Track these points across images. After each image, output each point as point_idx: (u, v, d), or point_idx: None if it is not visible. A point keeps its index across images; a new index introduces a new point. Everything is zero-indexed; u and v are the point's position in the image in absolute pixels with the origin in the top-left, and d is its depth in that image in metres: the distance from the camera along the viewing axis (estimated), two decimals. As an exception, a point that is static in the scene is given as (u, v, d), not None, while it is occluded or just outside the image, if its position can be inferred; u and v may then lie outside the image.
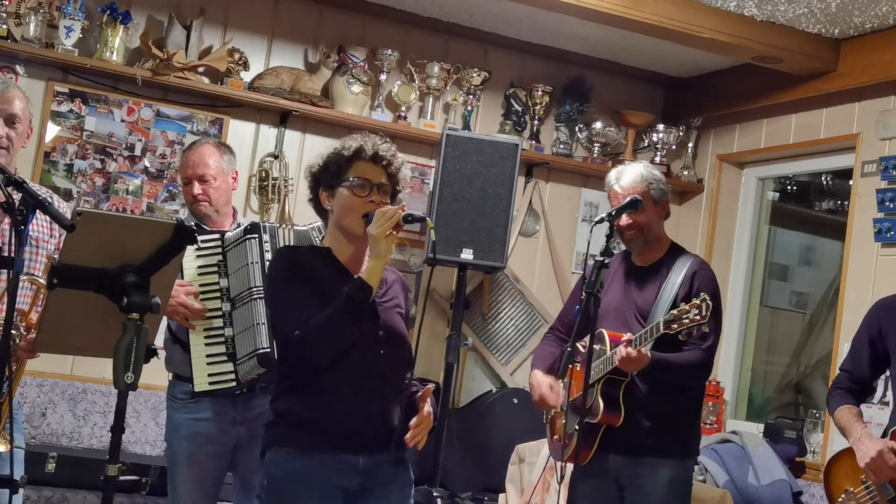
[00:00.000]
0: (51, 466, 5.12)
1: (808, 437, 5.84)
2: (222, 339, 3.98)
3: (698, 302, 3.70)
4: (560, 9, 5.65)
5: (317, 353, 3.14)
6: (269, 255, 3.95)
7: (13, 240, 2.80)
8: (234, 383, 3.95)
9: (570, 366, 3.94)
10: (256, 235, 3.98)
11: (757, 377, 6.80)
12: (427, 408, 3.22)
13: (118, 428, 2.81)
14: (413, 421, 3.20)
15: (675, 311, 3.76)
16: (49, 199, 3.30)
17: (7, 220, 3.50)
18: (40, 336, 3.11)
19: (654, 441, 3.98)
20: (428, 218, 3.22)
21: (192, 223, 4.23)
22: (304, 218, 4.96)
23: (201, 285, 4.01)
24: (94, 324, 2.90)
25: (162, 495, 5.21)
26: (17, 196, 2.95)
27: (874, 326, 3.96)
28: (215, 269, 4.03)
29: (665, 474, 3.99)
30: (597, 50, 6.66)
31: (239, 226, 4.24)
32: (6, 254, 2.84)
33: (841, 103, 6.00)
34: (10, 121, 3.54)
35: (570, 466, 3.91)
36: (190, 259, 4.01)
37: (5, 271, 3.21)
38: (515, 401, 6.22)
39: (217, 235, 4.05)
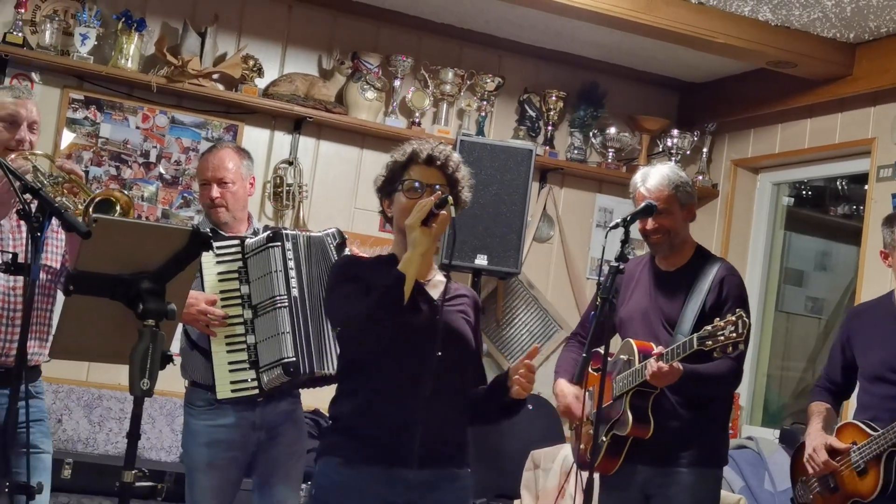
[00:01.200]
0: (66, 472, 5.13)
1: (825, 443, 5.81)
2: (244, 347, 3.95)
3: (734, 318, 3.62)
4: (574, 14, 5.65)
5: (357, 345, 3.12)
6: (291, 264, 3.94)
7: (29, 246, 2.80)
8: (256, 391, 3.93)
9: (591, 372, 3.91)
10: (279, 243, 3.95)
11: (772, 383, 6.77)
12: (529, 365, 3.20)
13: (134, 434, 2.80)
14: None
15: (709, 328, 3.65)
16: (66, 206, 3.32)
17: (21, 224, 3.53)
18: (56, 343, 3.12)
19: (683, 451, 3.89)
20: (449, 197, 3.12)
21: (208, 228, 4.22)
22: (319, 223, 4.97)
23: (221, 291, 3.99)
24: (110, 330, 2.90)
25: (177, 502, 5.22)
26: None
27: (844, 333, 4.28)
28: (236, 275, 4.00)
29: (694, 484, 3.90)
30: (611, 55, 6.66)
31: (255, 232, 4.21)
32: (22, 260, 2.84)
33: (856, 108, 5.98)
34: (32, 126, 3.60)
35: (595, 476, 3.85)
36: (210, 265, 3.99)
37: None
38: (530, 407, 6.20)
39: (237, 241, 4.03)
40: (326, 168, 6.25)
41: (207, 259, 3.96)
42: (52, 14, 5.66)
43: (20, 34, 5.56)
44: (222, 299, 3.97)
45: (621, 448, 3.91)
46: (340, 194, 6.30)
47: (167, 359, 2.78)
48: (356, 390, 3.17)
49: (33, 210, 2.86)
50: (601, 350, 3.89)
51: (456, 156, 3.29)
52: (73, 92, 5.70)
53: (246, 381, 3.92)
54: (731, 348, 3.65)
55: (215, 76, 5.94)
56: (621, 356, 3.95)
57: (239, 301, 3.98)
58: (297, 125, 6.18)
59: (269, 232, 4.03)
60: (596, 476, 3.81)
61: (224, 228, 4.24)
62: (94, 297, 2.83)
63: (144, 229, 3.25)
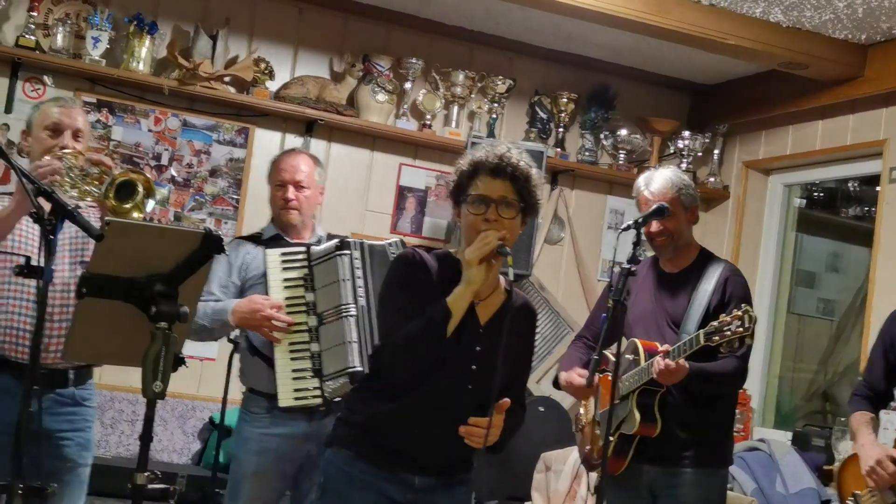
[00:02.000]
0: (79, 474, 5.14)
1: (837, 445, 5.79)
2: (308, 355, 3.93)
3: (739, 314, 3.63)
4: (585, 16, 5.65)
5: (391, 369, 3.07)
6: (359, 273, 3.92)
7: (42, 249, 2.81)
8: (319, 399, 3.90)
9: (598, 374, 3.92)
10: (348, 252, 3.94)
11: (784, 385, 6.76)
12: (496, 418, 3.03)
13: (146, 436, 2.81)
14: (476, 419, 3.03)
15: (715, 324, 3.67)
16: (79, 208, 3.34)
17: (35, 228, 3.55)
18: (69, 345, 3.13)
19: (689, 451, 3.91)
20: (510, 254, 2.98)
21: (273, 234, 4.24)
22: (330, 226, 4.97)
23: (287, 298, 3.97)
24: (123, 333, 2.91)
25: None
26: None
27: (888, 337, 4.07)
28: (301, 282, 3.98)
29: (701, 484, 3.93)
30: (622, 57, 6.65)
31: (319, 240, 4.21)
32: (35, 263, 2.85)
33: (868, 109, 5.97)
34: (76, 135, 3.65)
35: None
36: (276, 271, 3.98)
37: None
38: (542, 409, 6.20)
39: (303, 248, 4.02)
40: (338, 170, 6.25)
41: (273, 265, 3.98)
42: (65, 17, 5.68)
43: (33, 37, 5.58)
44: (287, 306, 3.95)
45: (628, 447, 3.92)
46: (352, 196, 6.31)
47: (179, 361, 2.80)
48: (382, 394, 3.13)
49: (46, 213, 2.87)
50: (606, 351, 3.91)
51: (525, 162, 3.11)
52: (85, 95, 5.72)
53: (309, 389, 3.90)
54: (737, 343, 3.67)
55: (227, 79, 5.95)
56: (627, 356, 3.96)
57: (304, 308, 3.96)
58: (308, 127, 6.19)
59: (336, 240, 4.00)
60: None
61: (291, 232, 4.24)
62: (107, 299, 2.84)
63: (157, 232, 3.26)
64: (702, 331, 3.72)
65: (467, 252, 3.01)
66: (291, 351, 3.93)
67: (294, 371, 3.92)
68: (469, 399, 3.07)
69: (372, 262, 3.98)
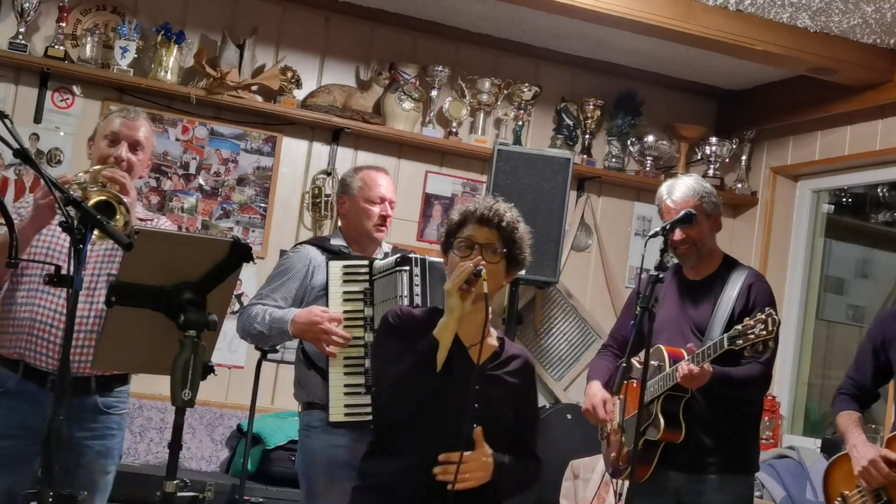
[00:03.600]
0: (108, 482, 5.16)
1: (867, 453, 5.75)
2: (362, 370, 3.87)
3: (763, 317, 3.65)
4: (611, 23, 5.64)
5: (387, 409, 3.14)
6: (418, 290, 3.86)
7: (72, 258, 2.83)
8: (369, 417, 3.70)
9: (625, 382, 3.91)
10: (408, 268, 3.88)
11: (813, 392, 6.72)
12: (481, 451, 3.08)
13: (175, 444, 2.82)
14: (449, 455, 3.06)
15: (739, 327, 3.69)
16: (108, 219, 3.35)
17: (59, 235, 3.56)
18: (98, 354, 3.14)
19: (714, 457, 3.92)
20: (483, 271, 3.07)
21: (341, 245, 4.20)
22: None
23: (345, 311, 3.91)
24: (152, 341, 2.91)
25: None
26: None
27: (878, 337, 4.10)
28: (361, 296, 3.93)
29: (727, 490, 3.93)
30: (648, 63, 6.64)
31: (385, 255, 4.18)
32: (65, 272, 2.86)
33: (897, 114, 5.94)
34: (134, 147, 3.68)
35: (627, 483, 3.86)
36: (336, 283, 3.94)
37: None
38: (569, 416, 6.19)
39: (366, 262, 3.98)
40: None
41: (335, 277, 3.94)
42: (93, 28, 5.72)
43: (61, 48, 5.62)
44: (345, 319, 3.90)
45: (653, 454, 3.92)
46: (378, 204, 6.31)
47: (208, 369, 2.79)
48: (390, 450, 3.17)
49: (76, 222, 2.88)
50: (633, 360, 3.91)
51: (510, 215, 3.22)
52: (113, 104, 5.74)
53: (360, 405, 3.83)
54: (761, 347, 3.68)
55: (254, 88, 5.98)
56: (652, 362, 3.96)
57: (361, 323, 3.91)
58: (335, 136, 6.21)
59: (398, 255, 3.98)
60: (627, 483, 3.83)
61: (365, 246, 4.22)
62: (136, 308, 2.85)
63: (185, 240, 3.27)
64: (725, 335, 3.73)
65: (446, 285, 3.11)
66: (346, 366, 3.87)
67: (347, 386, 3.85)
68: (475, 439, 3.08)
69: (431, 278, 3.91)
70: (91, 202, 3.23)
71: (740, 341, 3.68)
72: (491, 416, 3.13)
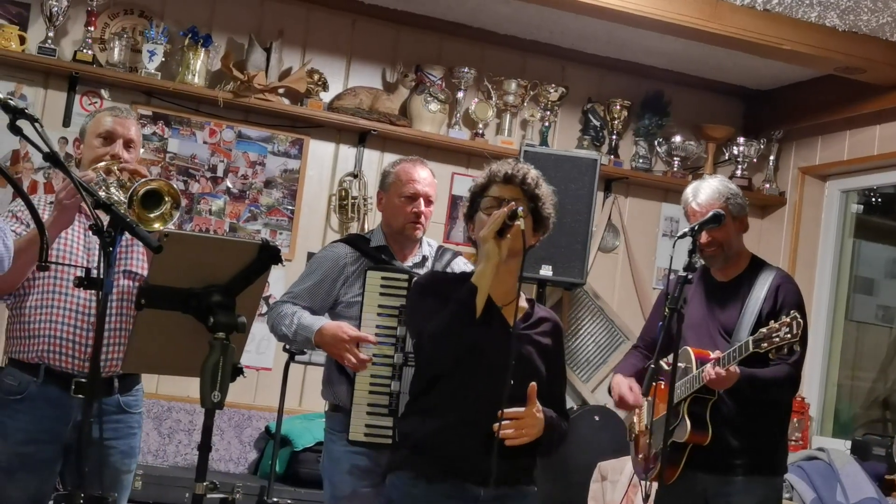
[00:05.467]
0: (137, 484, 5.17)
1: (898, 454, 5.72)
2: (387, 391, 3.71)
3: (788, 320, 3.64)
4: (638, 23, 5.63)
5: (430, 359, 3.16)
6: None
7: (102, 261, 2.84)
8: (389, 441, 3.67)
9: (654, 383, 3.90)
10: None
11: (843, 393, 6.68)
12: (535, 407, 3.12)
13: (205, 446, 2.83)
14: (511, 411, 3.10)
15: (764, 330, 3.68)
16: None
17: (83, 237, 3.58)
18: (128, 356, 3.15)
19: (742, 459, 3.91)
20: (520, 209, 3.10)
21: (381, 244, 4.06)
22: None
23: (378, 326, 3.73)
24: (181, 343, 2.93)
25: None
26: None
27: None
28: (396, 312, 3.72)
29: (755, 492, 3.92)
30: (675, 63, 6.62)
31: (424, 259, 4.07)
32: (95, 275, 2.87)
33: (927, 113, 5.90)
34: (127, 144, 3.66)
35: (655, 485, 3.85)
36: (374, 294, 3.76)
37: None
38: (597, 418, 6.17)
39: (406, 277, 3.76)
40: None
41: (372, 288, 3.76)
42: (121, 32, 5.75)
43: (90, 52, 5.65)
44: (377, 335, 3.74)
45: (680, 456, 3.91)
46: (405, 206, 6.31)
47: (237, 371, 2.80)
48: (429, 409, 3.19)
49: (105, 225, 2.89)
50: (661, 361, 3.90)
51: (534, 173, 3.26)
52: (141, 108, 5.78)
53: (381, 427, 3.71)
54: (786, 350, 3.66)
55: (281, 91, 6.00)
56: (679, 364, 3.95)
57: (393, 341, 3.73)
58: (361, 138, 6.22)
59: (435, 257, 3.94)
60: (655, 485, 3.82)
61: (405, 246, 4.09)
62: (166, 310, 2.87)
63: (214, 243, 3.28)
64: (750, 337, 3.72)
65: (481, 232, 3.12)
66: (371, 384, 3.74)
67: (370, 406, 3.73)
68: (514, 397, 3.09)
69: None
70: (140, 193, 3.24)
71: (765, 344, 3.67)
72: (526, 375, 3.15)
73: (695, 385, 3.84)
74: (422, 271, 3.94)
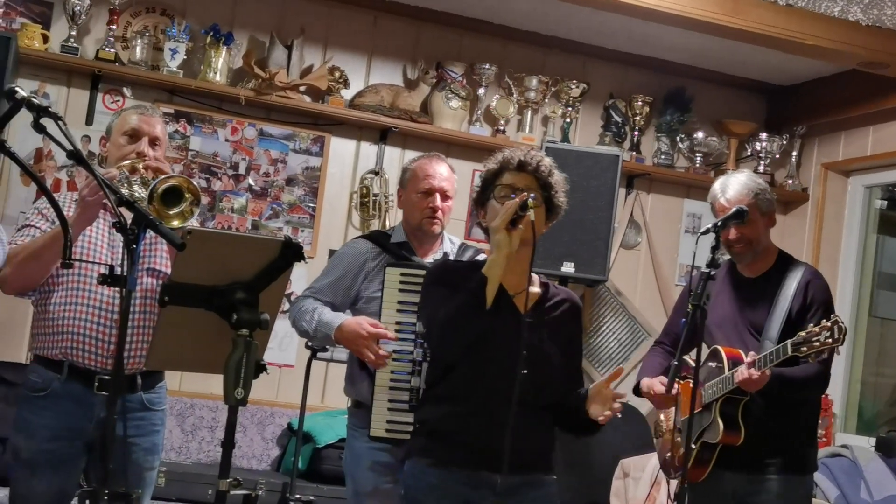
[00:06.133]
0: (161, 481, 5.18)
1: (923, 452, 5.68)
2: (407, 387, 3.75)
3: (829, 325, 3.57)
4: (659, 19, 5.61)
5: (441, 347, 3.17)
6: None
7: (125, 258, 2.85)
8: (409, 436, 3.60)
9: (678, 380, 3.88)
10: None
11: (867, 390, 6.64)
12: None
13: (229, 443, 2.84)
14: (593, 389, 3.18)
15: (803, 334, 3.62)
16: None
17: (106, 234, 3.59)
18: (152, 353, 3.16)
19: (773, 458, 3.86)
20: (531, 199, 3.09)
21: (402, 240, 4.07)
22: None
23: (397, 322, 3.77)
24: (205, 340, 2.93)
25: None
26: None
27: None
28: (415, 309, 3.73)
29: (786, 491, 3.87)
30: (697, 59, 6.59)
31: (445, 255, 4.08)
32: (118, 272, 2.88)
33: (951, 108, 5.86)
34: (153, 142, 3.67)
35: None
36: (393, 291, 3.79)
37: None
38: (619, 415, 6.14)
39: (424, 272, 3.70)
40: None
41: (392, 284, 3.79)
42: (143, 30, 5.77)
43: (112, 50, 5.67)
44: (396, 331, 3.77)
45: (710, 455, 3.88)
46: (426, 203, 6.31)
47: (261, 368, 2.81)
48: (444, 396, 3.21)
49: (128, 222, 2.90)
50: (687, 357, 3.87)
51: (548, 160, 3.26)
52: (163, 106, 5.79)
53: (401, 423, 3.73)
54: (826, 354, 3.61)
55: (302, 88, 6.00)
56: (710, 363, 3.92)
57: (412, 337, 3.75)
58: (382, 135, 6.22)
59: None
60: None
61: (424, 241, 4.11)
62: (189, 307, 2.88)
63: (237, 240, 3.28)
64: (789, 341, 3.65)
65: (493, 222, 3.13)
66: (392, 380, 3.77)
67: (391, 402, 3.76)
68: (526, 385, 3.10)
69: None
70: (160, 190, 3.24)
71: (804, 348, 3.61)
72: (538, 363, 3.16)
73: (727, 386, 3.79)
74: None
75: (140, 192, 3.39)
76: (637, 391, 4.15)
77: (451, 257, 4.10)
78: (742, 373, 3.71)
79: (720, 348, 3.89)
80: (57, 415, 3.50)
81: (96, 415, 3.49)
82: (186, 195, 3.29)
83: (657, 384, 4.01)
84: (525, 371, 3.09)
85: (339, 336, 3.84)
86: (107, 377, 3.45)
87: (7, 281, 3.51)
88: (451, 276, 3.25)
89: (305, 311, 3.97)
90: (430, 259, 4.07)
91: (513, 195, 3.17)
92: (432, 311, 3.18)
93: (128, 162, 3.54)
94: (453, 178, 4.14)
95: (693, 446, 3.84)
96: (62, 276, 3.53)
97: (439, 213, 4.04)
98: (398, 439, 3.74)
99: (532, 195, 3.12)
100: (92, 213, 3.43)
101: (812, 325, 3.65)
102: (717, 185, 4.04)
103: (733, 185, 3.98)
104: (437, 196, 4.03)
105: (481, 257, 4.06)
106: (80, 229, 3.47)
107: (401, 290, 3.79)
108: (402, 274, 3.81)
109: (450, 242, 4.19)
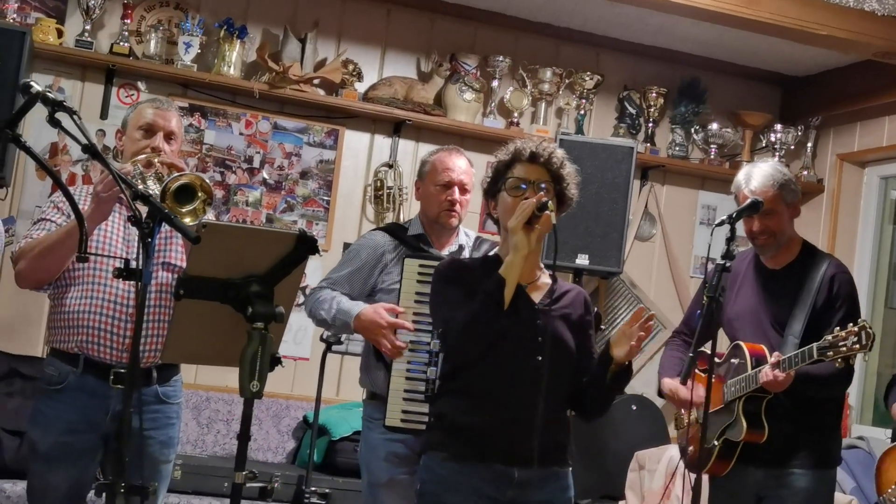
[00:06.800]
0: (177, 473, 5.20)
1: (939, 443, 5.66)
2: (423, 378, 3.77)
3: (856, 329, 3.52)
4: (673, 10, 5.59)
5: (458, 350, 3.16)
6: None
7: (140, 252, 2.86)
8: (425, 427, 3.62)
9: (697, 372, 3.85)
10: None
11: (882, 382, 6.59)
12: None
13: (244, 435, 2.85)
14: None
15: (829, 338, 3.57)
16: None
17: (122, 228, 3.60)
18: (167, 346, 3.17)
19: (796, 452, 3.81)
20: (550, 202, 3.09)
21: (419, 232, 4.10)
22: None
23: (415, 314, 3.79)
24: (220, 333, 2.94)
25: (285, 502, 5.29)
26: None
27: None
28: None
29: (808, 486, 3.82)
30: (711, 50, 6.58)
31: (461, 248, 4.11)
32: (133, 266, 2.89)
33: (967, 98, 5.83)
34: (168, 137, 3.67)
35: (705, 477, 3.78)
36: (411, 282, 3.81)
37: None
38: (634, 407, 6.15)
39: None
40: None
41: (410, 275, 3.81)
42: (157, 24, 5.78)
43: (126, 44, 5.69)
44: (414, 321, 3.79)
45: (733, 451, 3.84)
46: (440, 196, 6.31)
47: (276, 361, 2.82)
48: (461, 390, 3.20)
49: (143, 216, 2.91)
50: (705, 349, 3.85)
51: (560, 152, 3.25)
52: (177, 100, 5.80)
53: (416, 413, 3.75)
54: (852, 358, 3.57)
55: (316, 81, 6.01)
56: (732, 360, 3.88)
57: (429, 328, 3.74)
58: (396, 128, 6.22)
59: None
60: (705, 477, 3.76)
61: (442, 234, 4.12)
62: (204, 300, 2.88)
63: (252, 234, 3.28)
64: (815, 345, 3.60)
65: (509, 222, 3.12)
66: (408, 370, 3.79)
67: (406, 392, 3.78)
68: (543, 372, 3.11)
69: None
70: (173, 188, 3.23)
71: (831, 353, 3.56)
72: (556, 349, 3.16)
73: (751, 385, 3.75)
74: None
75: (154, 188, 3.39)
76: (661, 392, 4.13)
77: (467, 250, 4.11)
78: (767, 374, 3.66)
79: (742, 344, 3.84)
80: (73, 408, 3.51)
81: (112, 408, 3.51)
82: (199, 193, 3.28)
83: (682, 389, 3.93)
84: (541, 358, 3.11)
85: (357, 325, 3.87)
86: (122, 370, 3.46)
87: (22, 275, 3.53)
88: (460, 274, 3.25)
89: (323, 300, 3.98)
90: (446, 251, 4.09)
91: (523, 186, 3.17)
92: (448, 314, 3.16)
93: (143, 157, 3.54)
94: (472, 171, 4.15)
95: (716, 443, 3.81)
96: (78, 270, 3.54)
97: (457, 207, 4.05)
98: (414, 429, 3.76)
99: (546, 200, 3.10)
100: (106, 208, 3.44)
101: (839, 329, 3.58)
102: (741, 175, 3.96)
103: (758, 176, 3.89)
104: (456, 189, 4.05)
105: (496, 252, 4.07)
106: (95, 224, 3.47)
107: (419, 282, 3.80)
108: (421, 265, 3.82)
109: (465, 235, 4.20)
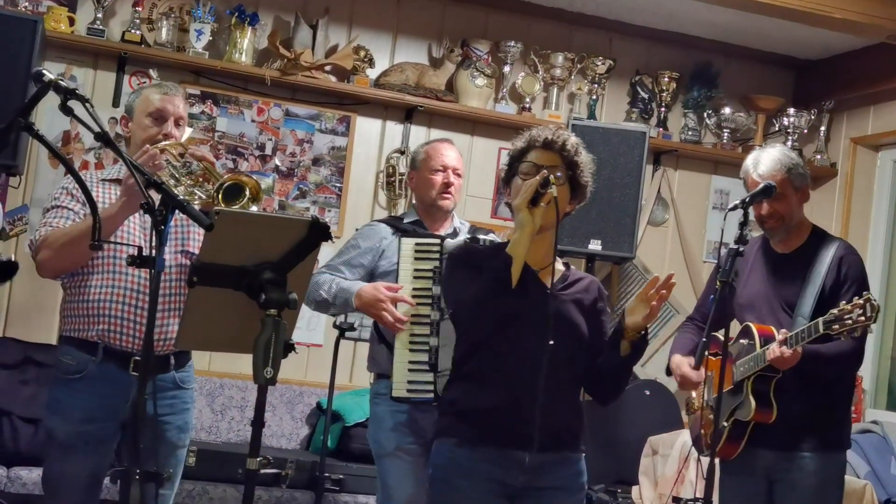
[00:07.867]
0: (191, 460, 5.22)
1: (954, 427, 5.66)
2: (426, 348, 3.90)
3: (861, 302, 3.54)
4: (685, -6, 5.58)
5: (468, 327, 3.18)
6: None
7: (153, 239, 2.86)
8: (430, 395, 3.86)
9: (709, 355, 3.85)
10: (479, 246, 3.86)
11: (897, 365, 6.60)
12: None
13: (258, 422, 2.85)
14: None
15: (835, 312, 3.58)
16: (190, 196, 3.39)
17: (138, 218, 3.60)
18: (181, 333, 3.18)
19: (806, 435, 3.82)
20: (552, 176, 3.12)
21: (414, 219, 4.28)
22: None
23: (414, 289, 3.94)
24: (233, 320, 2.95)
25: (300, 488, 5.30)
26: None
27: None
28: (430, 274, 3.93)
29: (819, 468, 3.83)
30: (724, 34, 6.55)
31: (455, 230, 4.26)
32: (146, 253, 2.89)
33: (981, 80, 5.80)
34: (177, 122, 3.69)
35: (715, 461, 3.79)
36: (408, 260, 3.96)
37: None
38: (647, 392, 6.15)
39: (437, 241, 3.98)
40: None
41: (407, 253, 3.96)
42: (168, 11, 5.78)
43: (138, 32, 5.69)
44: (414, 296, 3.92)
45: (743, 432, 3.85)
46: (452, 182, 6.31)
47: (289, 347, 2.82)
48: (471, 374, 3.21)
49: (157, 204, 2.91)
50: (719, 334, 3.84)
51: (574, 139, 3.26)
52: (189, 87, 5.81)
53: (422, 382, 3.87)
54: (858, 332, 3.57)
55: (327, 68, 6.00)
56: (741, 341, 3.89)
57: (429, 301, 3.91)
58: (408, 114, 6.22)
59: (468, 236, 4.04)
60: (716, 461, 3.76)
61: (435, 219, 4.28)
62: (218, 287, 2.89)
63: (265, 221, 3.28)
64: (821, 319, 3.62)
65: (515, 201, 3.15)
66: (411, 343, 3.91)
67: (410, 363, 3.89)
68: (556, 355, 3.11)
69: None
70: (227, 184, 3.32)
71: (836, 326, 3.58)
72: (566, 333, 3.18)
73: (759, 363, 3.76)
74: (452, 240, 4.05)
75: (197, 190, 3.43)
76: (668, 370, 4.14)
77: (462, 234, 4.20)
78: (774, 351, 3.68)
79: (752, 325, 3.86)
80: (93, 396, 3.51)
81: (131, 395, 3.50)
82: (246, 192, 3.35)
83: (685, 365, 3.99)
84: (552, 342, 3.11)
85: (358, 302, 4.00)
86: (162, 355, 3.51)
87: (46, 265, 3.51)
88: (473, 258, 3.26)
89: (322, 283, 4.11)
90: (441, 234, 4.20)
91: (530, 172, 3.18)
92: (459, 292, 3.18)
93: (163, 144, 3.54)
94: (462, 160, 4.37)
95: (725, 424, 3.82)
96: (96, 259, 3.53)
97: (452, 189, 4.25)
98: (420, 400, 3.88)
99: (558, 173, 3.13)
100: (136, 200, 3.42)
101: (844, 302, 3.61)
102: (749, 160, 3.98)
103: (766, 160, 3.91)
104: (451, 172, 4.25)
105: (491, 237, 4.09)
106: (125, 216, 3.48)
107: (416, 259, 3.97)
108: (417, 243, 3.99)
109: (460, 223, 4.37)
